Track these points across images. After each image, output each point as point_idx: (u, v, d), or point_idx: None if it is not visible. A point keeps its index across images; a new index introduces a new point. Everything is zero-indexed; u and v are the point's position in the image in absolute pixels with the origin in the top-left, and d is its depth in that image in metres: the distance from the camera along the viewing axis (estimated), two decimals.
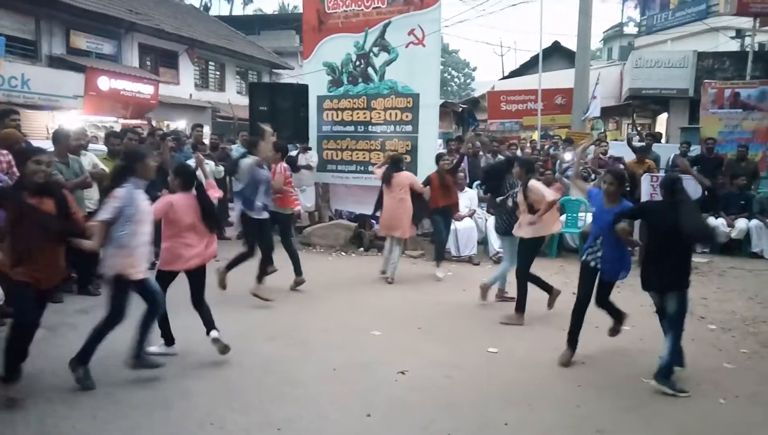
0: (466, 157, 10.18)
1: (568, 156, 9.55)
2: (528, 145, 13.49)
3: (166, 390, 3.92)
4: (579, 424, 3.64)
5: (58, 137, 6.04)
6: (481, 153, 10.46)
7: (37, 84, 13.33)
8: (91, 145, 7.43)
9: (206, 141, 10.27)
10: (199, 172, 4.88)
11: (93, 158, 6.54)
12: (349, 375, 4.30)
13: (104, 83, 15.09)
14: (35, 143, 6.84)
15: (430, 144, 8.79)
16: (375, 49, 9.07)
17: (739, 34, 19.05)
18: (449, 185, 7.38)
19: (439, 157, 7.53)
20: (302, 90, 9.04)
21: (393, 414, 3.71)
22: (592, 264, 4.55)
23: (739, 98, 12.46)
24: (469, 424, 3.60)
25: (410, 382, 4.21)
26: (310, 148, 9.41)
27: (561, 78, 15.59)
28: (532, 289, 5.64)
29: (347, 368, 4.41)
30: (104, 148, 7.62)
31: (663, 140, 14.51)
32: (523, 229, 5.51)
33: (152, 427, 3.47)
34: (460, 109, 19.89)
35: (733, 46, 18.67)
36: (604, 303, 4.68)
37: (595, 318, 4.80)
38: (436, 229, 7.59)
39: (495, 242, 8.39)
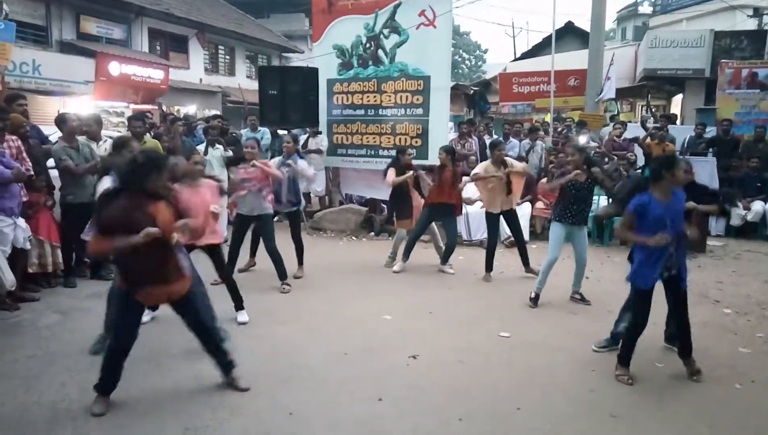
0: (477, 140, 10.13)
1: (583, 139, 9.42)
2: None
3: (177, 374, 3.93)
4: (593, 409, 3.61)
5: (63, 120, 6.03)
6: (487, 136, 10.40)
7: (48, 69, 13.33)
8: (103, 132, 7.44)
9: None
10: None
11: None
12: (361, 359, 4.29)
13: (115, 68, 15.06)
14: (46, 129, 6.89)
15: (441, 127, 8.70)
16: (385, 31, 8.95)
17: (757, 12, 18.63)
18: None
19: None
20: (312, 73, 8.96)
21: (405, 398, 3.70)
22: (666, 275, 3.94)
23: (757, 78, 12.22)
24: (481, 409, 3.58)
25: (422, 366, 4.20)
26: (320, 132, 9.35)
27: (574, 59, 15.32)
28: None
29: (358, 353, 4.40)
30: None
31: (678, 122, 14.28)
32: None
33: (164, 412, 3.49)
34: (472, 91, 19.69)
35: (751, 24, 18.25)
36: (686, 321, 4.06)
37: (610, 302, 4.75)
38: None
39: (506, 226, 8.33)
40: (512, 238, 7.93)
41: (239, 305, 5.06)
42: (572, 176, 5.41)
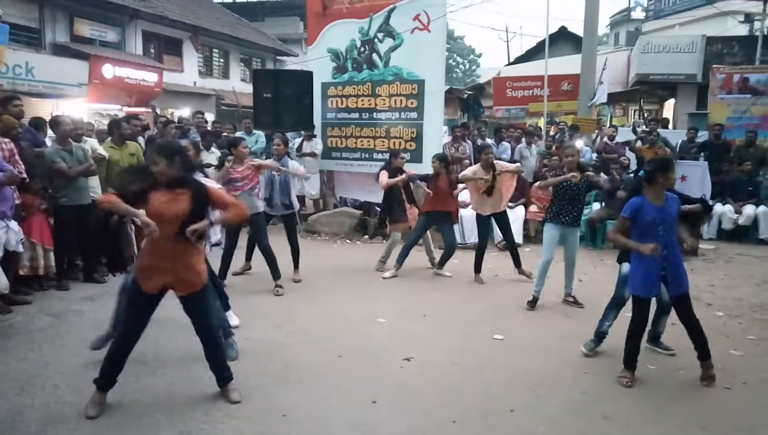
0: (471, 144, 10.17)
1: (579, 143, 9.47)
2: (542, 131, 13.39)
3: (172, 376, 3.93)
4: (585, 411, 3.63)
5: (56, 123, 6.02)
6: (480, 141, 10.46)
7: (41, 72, 13.30)
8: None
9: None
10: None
11: (93, 144, 6.52)
12: (354, 362, 4.30)
13: (108, 71, 15.04)
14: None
15: (435, 131, 8.73)
16: (380, 35, 8.99)
17: (749, 18, 18.76)
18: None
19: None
20: (306, 77, 8.98)
21: (398, 400, 3.71)
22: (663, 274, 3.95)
23: (748, 83, 12.30)
24: (475, 411, 3.59)
25: (415, 368, 4.21)
26: (314, 136, 9.37)
27: (567, 64, 15.39)
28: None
29: (352, 355, 4.41)
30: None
31: (670, 126, 14.38)
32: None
33: (159, 415, 3.48)
34: (466, 95, 19.71)
35: (743, 30, 18.39)
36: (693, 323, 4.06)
37: (603, 305, 4.77)
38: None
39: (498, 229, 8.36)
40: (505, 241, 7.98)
41: (227, 306, 4.99)
42: (569, 176, 5.39)
